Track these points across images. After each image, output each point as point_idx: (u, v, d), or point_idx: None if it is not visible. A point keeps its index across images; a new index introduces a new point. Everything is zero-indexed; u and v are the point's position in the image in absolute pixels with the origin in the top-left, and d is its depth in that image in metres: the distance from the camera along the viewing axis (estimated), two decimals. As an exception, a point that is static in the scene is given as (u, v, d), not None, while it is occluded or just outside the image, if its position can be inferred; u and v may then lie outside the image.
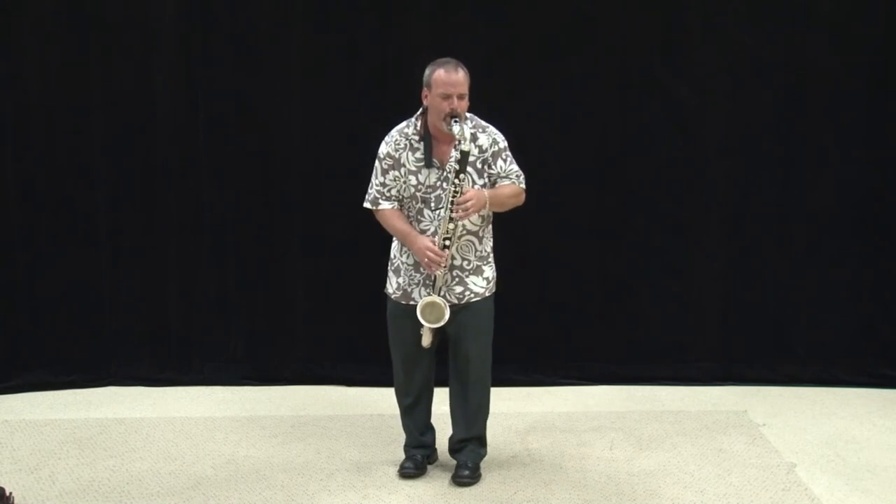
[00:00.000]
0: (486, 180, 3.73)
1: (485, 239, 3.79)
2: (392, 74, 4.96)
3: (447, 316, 3.64)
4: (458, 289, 3.72)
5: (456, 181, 3.57)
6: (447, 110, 3.58)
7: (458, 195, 3.57)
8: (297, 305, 5.19)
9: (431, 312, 3.64)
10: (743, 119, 5.03)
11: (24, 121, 5.00)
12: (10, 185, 5.00)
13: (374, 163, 3.79)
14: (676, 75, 5.01)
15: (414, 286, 3.76)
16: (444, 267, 3.64)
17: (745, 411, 4.70)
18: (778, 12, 4.95)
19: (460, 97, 3.60)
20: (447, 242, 3.62)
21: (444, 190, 3.66)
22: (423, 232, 3.70)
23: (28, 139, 5.00)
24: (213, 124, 5.07)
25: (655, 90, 5.03)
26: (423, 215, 3.72)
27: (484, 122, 3.77)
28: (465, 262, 3.73)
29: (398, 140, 3.74)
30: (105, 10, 4.96)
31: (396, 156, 3.72)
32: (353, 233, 4.97)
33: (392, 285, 3.83)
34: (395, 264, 3.83)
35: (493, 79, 4.95)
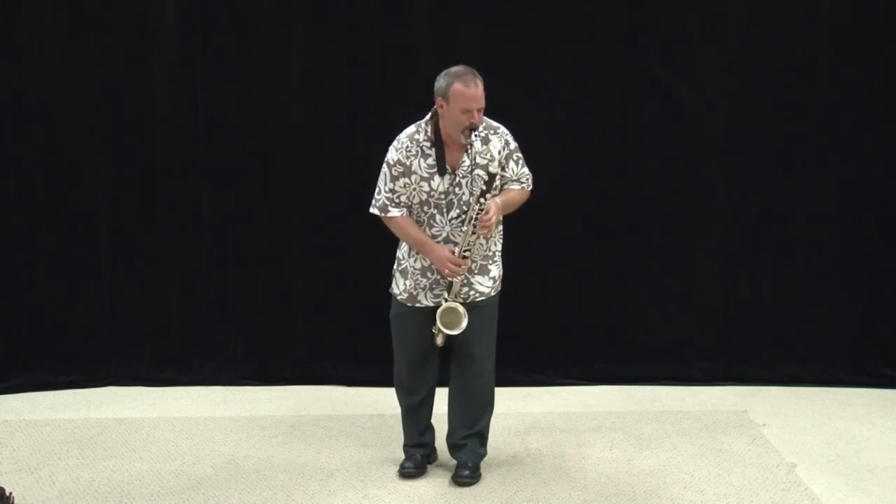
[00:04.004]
0: (497, 182, 3.70)
1: (492, 239, 3.78)
2: (392, 74, 4.96)
3: (464, 326, 3.64)
4: (464, 289, 3.73)
5: (482, 200, 3.56)
6: (467, 124, 3.55)
7: (483, 213, 3.56)
8: (296, 305, 5.19)
9: (449, 317, 3.66)
10: (743, 119, 5.03)
11: (24, 121, 5.00)
12: (10, 185, 5.01)
13: (380, 165, 3.74)
14: (676, 75, 5.01)
15: (420, 290, 3.75)
16: (463, 276, 3.66)
17: (745, 411, 4.70)
18: (778, 12, 4.94)
19: (479, 110, 3.57)
20: (467, 253, 3.63)
21: (456, 196, 3.64)
22: (434, 237, 3.68)
23: (28, 139, 5.00)
24: (213, 124, 5.07)
25: (655, 90, 5.02)
26: (434, 220, 3.68)
27: (494, 123, 3.73)
28: (472, 265, 3.73)
29: (409, 146, 3.66)
30: (105, 10, 4.96)
31: (407, 163, 3.65)
32: (353, 233, 4.97)
33: (399, 286, 3.81)
34: (403, 266, 3.80)
35: (493, 79, 4.93)
